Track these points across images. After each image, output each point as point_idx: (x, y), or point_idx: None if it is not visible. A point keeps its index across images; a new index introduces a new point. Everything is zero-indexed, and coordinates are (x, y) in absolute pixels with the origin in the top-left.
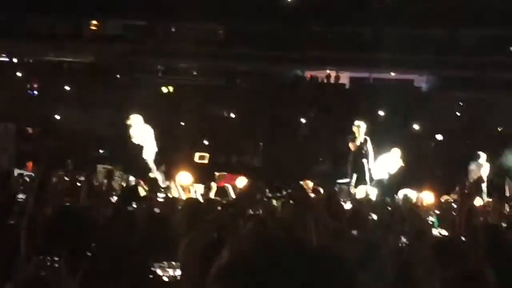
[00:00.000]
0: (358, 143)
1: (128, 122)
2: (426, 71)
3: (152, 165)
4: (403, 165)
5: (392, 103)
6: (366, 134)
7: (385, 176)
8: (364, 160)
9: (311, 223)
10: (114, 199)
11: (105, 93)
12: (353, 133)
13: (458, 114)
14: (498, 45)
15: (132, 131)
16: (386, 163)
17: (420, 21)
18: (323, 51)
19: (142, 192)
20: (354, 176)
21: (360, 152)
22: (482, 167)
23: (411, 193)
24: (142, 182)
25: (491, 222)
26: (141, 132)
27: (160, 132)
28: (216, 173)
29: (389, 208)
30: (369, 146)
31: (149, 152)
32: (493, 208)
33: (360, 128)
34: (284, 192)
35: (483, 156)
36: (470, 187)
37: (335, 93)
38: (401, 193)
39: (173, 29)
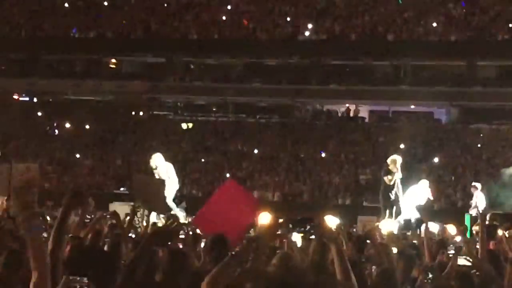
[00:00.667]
0: (393, 177)
1: (151, 161)
2: (445, 103)
3: (172, 202)
4: (431, 197)
5: (412, 136)
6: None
7: (414, 209)
8: (395, 194)
9: (334, 258)
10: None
11: (125, 130)
12: (387, 166)
13: (479, 145)
14: None
15: (155, 170)
16: (415, 195)
17: (439, 53)
18: (342, 84)
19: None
20: (387, 209)
21: (392, 186)
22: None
23: (434, 226)
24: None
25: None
26: (164, 169)
27: (180, 168)
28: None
29: (414, 242)
30: (399, 180)
31: (171, 189)
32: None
33: (396, 162)
34: (308, 227)
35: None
36: (490, 219)
37: (355, 127)
38: (424, 227)
39: (192, 66)
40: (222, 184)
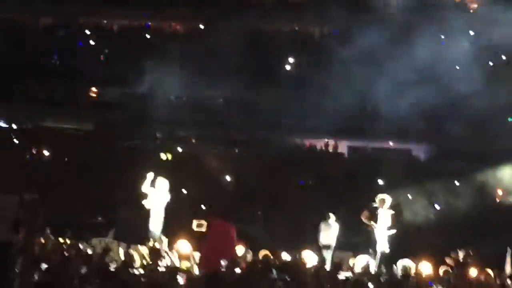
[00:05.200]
0: (379, 215)
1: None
2: (423, 141)
3: (156, 233)
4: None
5: (390, 172)
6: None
7: (386, 245)
8: (376, 231)
9: None
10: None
11: (104, 160)
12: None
13: (457, 183)
14: (497, 117)
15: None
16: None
17: (416, 92)
18: (322, 120)
19: (138, 260)
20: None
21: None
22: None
23: (410, 264)
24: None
25: None
26: (158, 197)
27: None
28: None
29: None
30: (387, 219)
31: (157, 219)
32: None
33: (385, 201)
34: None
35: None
36: (464, 256)
37: (333, 162)
38: (399, 264)
39: (171, 97)
40: (209, 226)
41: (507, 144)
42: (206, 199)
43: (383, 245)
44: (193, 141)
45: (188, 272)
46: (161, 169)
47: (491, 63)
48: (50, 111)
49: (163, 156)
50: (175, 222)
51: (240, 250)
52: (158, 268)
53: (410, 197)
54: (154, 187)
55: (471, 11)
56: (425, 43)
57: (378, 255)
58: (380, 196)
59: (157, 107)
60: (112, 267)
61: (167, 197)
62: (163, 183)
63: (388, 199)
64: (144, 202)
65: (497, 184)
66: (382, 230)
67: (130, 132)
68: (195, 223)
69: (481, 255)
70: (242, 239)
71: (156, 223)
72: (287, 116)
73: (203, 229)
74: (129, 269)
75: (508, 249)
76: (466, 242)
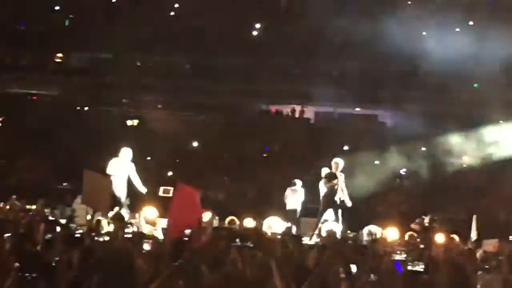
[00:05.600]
0: (336, 180)
1: (119, 155)
2: (390, 106)
3: (121, 199)
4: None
5: (357, 138)
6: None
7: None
8: (336, 196)
9: (275, 268)
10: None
11: (70, 125)
12: (330, 168)
13: (423, 149)
14: (461, 82)
15: (113, 163)
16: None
17: (383, 58)
18: (289, 85)
19: (106, 227)
20: (327, 212)
21: (334, 189)
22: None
23: (376, 229)
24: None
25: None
26: (122, 166)
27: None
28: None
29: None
30: (342, 182)
31: (121, 186)
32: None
33: (338, 164)
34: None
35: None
36: (429, 222)
37: (300, 128)
38: (366, 229)
39: (138, 63)
40: (175, 190)
41: (474, 110)
42: (173, 166)
43: (346, 206)
44: (159, 106)
45: (153, 238)
46: (127, 135)
47: (457, 29)
48: (16, 77)
49: (129, 122)
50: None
51: (206, 216)
52: (123, 234)
53: (376, 162)
54: (117, 156)
55: None
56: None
57: (340, 219)
58: (334, 160)
59: (123, 72)
60: (77, 233)
61: (131, 166)
62: (126, 152)
63: (341, 162)
64: (108, 170)
65: (463, 149)
66: (340, 193)
67: (96, 98)
68: (161, 189)
69: (447, 220)
70: (209, 205)
71: (121, 190)
72: (254, 81)
73: (170, 195)
74: (94, 236)
75: (474, 216)
76: (433, 207)
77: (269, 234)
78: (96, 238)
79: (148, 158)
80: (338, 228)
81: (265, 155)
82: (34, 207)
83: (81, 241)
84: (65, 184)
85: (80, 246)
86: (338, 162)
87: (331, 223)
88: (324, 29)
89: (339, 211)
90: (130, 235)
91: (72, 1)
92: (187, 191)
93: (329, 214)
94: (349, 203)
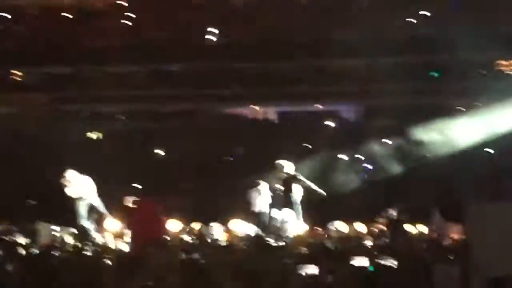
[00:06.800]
0: (283, 180)
1: (64, 179)
2: (349, 101)
3: (83, 213)
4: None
5: (321, 135)
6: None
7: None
8: (294, 196)
9: None
10: None
11: (30, 141)
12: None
13: (386, 141)
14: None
15: (68, 188)
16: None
17: (341, 52)
18: (248, 88)
19: (70, 241)
20: (285, 211)
21: (290, 189)
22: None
23: (342, 225)
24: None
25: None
26: (78, 186)
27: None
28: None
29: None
30: (299, 182)
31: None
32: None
33: (283, 167)
34: None
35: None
36: (397, 214)
37: (263, 129)
38: (332, 225)
39: (96, 75)
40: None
41: (434, 100)
42: (136, 176)
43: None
44: (120, 117)
45: (116, 252)
46: (91, 147)
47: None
48: None
49: (91, 135)
50: (107, 200)
51: (175, 225)
52: (86, 248)
53: (341, 158)
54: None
55: None
56: None
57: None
58: (278, 162)
59: (82, 84)
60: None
61: (92, 189)
62: (86, 181)
63: (287, 164)
64: (67, 191)
65: (425, 141)
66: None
67: (55, 113)
68: (125, 200)
69: (411, 212)
70: (175, 213)
71: (84, 205)
72: (213, 85)
73: (134, 206)
74: (55, 252)
75: (434, 211)
76: (397, 200)
77: (233, 237)
78: (57, 254)
79: (111, 169)
80: (300, 226)
81: (230, 158)
82: None
83: (40, 259)
84: (28, 200)
85: (40, 264)
86: (284, 165)
87: (296, 222)
88: (279, 30)
89: (299, 208)
90: (93, 249)
91: (26, 16)
92: (146, 205)
93: (288, 213)
94: (323, 192)
